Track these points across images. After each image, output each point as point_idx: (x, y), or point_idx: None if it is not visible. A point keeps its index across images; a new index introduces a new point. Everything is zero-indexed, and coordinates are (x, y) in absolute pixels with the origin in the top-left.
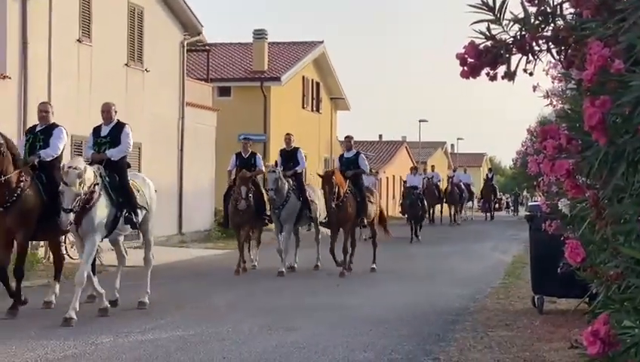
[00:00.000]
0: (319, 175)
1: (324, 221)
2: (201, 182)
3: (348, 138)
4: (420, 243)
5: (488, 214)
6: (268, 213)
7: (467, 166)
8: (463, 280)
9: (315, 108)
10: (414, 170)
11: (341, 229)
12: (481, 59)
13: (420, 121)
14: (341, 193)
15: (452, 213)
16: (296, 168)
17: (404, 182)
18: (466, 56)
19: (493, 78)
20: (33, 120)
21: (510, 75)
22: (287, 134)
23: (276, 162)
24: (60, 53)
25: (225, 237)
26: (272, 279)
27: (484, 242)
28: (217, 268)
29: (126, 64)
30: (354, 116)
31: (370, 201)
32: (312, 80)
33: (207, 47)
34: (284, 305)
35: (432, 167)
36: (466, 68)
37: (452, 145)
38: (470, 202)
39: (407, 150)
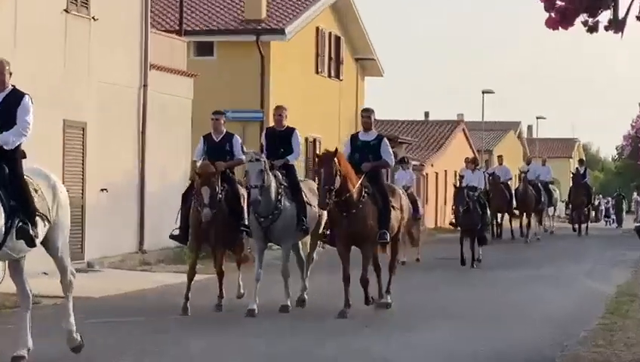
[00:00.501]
0: (315, 154)
1: (327, 234)
2: (171, 177)
3: (367, 112)
4: (480, 267)
5: (579, 226)
6: (246, 221)
7: (551, 156)
8: (545, 320)
9: (333, 73)
10: (472, 163)
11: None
12: (575, 2)
13: (483, 93)
14: (349, 189)
15: (526, 223)
16: (289, 157)
17: (460, 178)
18: None
19: (592, 28)
20: None
21: (618, 25)
22: (278, 108)
23: (261, 146)
24: None
25: (205, 256)
26: (271, 317)
27: (575, 265)
28: (191, 302)
29: (65, 10)
30: (388, 85)
31: (393, 207)
32: (330, 33)
33: None
34: (292, 356)
35: (500, 158)
36: (553, 14)
37: (529, 127)
38: (551, 208)
39: (465, 134)
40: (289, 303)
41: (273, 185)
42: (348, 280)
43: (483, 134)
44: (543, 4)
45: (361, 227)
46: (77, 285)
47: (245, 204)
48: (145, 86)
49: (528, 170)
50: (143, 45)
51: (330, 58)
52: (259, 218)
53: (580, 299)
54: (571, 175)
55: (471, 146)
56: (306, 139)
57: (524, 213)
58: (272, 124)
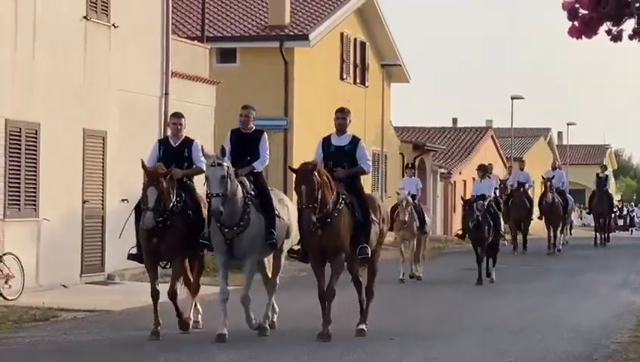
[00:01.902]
0: (291, 168)
1: (296, 249)
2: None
3: (342, 113)
4: (508, 279)
5: (601, 235)
6: (206, 234)
7: (582, 163)
8: (575, 333)
9: (359, 80)
10: (482, 170)
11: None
12: (598, 10)
13: (512, 99)
14: (328, 202)
15: (551, 234)
16: (255, 164)
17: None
18: (577, 5)
19: (616, 37)
20: None
21: None
22: (245, 107)
23: (223, 149)
24: None
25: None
26: (239, 346)
27: (605, 275)
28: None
29: (85, 17)
30: (415, 91)
31: (372, 220)
32: (355, 39)
33: None
34: None
35: (521, 163)
36: (576, 23)
37: (559, 134)
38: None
39: (493, 140)
40: (264, 324)
41: (239, 193)
42: (324, 298)
43: (512, 141)
44: (566, 12)
45: (334, 239)
46: (97, 298)
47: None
48: (166, 94)
49: (554, 176)
50: (164, 52)
51: (355, 64)
52: (223, 228)
53: (611, 311)
54: (594, 182)
55: (500, 153)
56: None
57: (551, 224)
58: (296, 131)
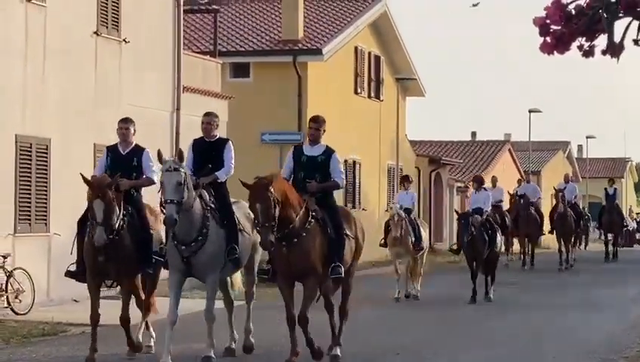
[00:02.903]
0: (244, 184)
1: (266, 269)
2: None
3: (316, 123)
4: (519, 294)
5: (612, 249)
6: (161, 251)
7: (602, 176)
8: (581, 347)
9: (373, 94)
10: (477, 182)
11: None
12: (570, 26)
13: (530, 112)
14: (292, 219)
15: (562, 249)
16: (218, 173)
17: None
18: (548, 21)
19: (588, 52)
20: None
21: (614, 49)
22: (208, 114)
23: (180, 152)
24: None
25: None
26: None
27: (614, 289)
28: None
29: (95, 32)
30: (431, 105)
31: (347, 235)
32: (370, 53)
33: (213, 7)
34: None
35: (527, 175)
36: (548, 39)
37: (579, 147)
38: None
39: (511, 154)
40: (212, 354)
41: (197, 205)
42: (293, 321)
43: (530, 154)
44: (537, 29)
45: (304, 259)
46: (109, 312)
47: (164, 230)
48: (178, 109)
49: (565, 188)
50: (175, 67)
51: (369, 78)
52: (179, 245)
53: (621, 325)
54: (604, 196)
55: (517, 167)
56: (346, 162)
57: (562, 239)
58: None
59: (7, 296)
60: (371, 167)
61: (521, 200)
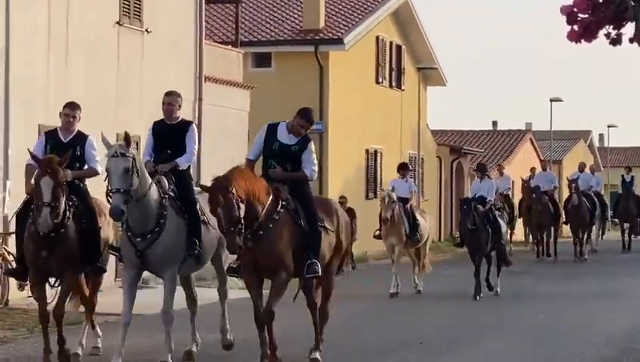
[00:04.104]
0: (203, 187)
1: (234, 267)
2: None
3: (307, 118)
4: (536, 284)
5: (629, 240)
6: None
7: (623, 165)
8: (602, 337)
9: (394, 84)
10: (480, 170)
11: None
12: (597, 14)
13: (551, 101)
14: (259, 213)
15: (580, 239)
16: (179, 160)
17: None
18: (575, 9)
19: (615, 41)
20: None
21: None
22: (169, 94)
23: (126, 136)
24: (21, 8)
25: None
26: None
27: (635, 279)
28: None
29: (118, 22)
30: (452, 94)
31: (325, 228)
32: (391, 42)
33: None
34: None
35: (543, 163)
36: (575, 27)
37: (600, 136)
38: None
39: (532, 143)
40: (169, 359)
41: (153, 193)
42: (261, 321)
43: (551, 143)
44: (565, 17)
45: (271, 251)
46: (140, 301)
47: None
48: (200, 99)
49: (578, 177)
50: (197, 57)
51: (391, 68)
52: (133, 238)
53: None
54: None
55: (539, 156)
56: (367, 151)
57: (577, 230)
58: (332, 135)
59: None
60: (392, 157)
61: (534, 194)
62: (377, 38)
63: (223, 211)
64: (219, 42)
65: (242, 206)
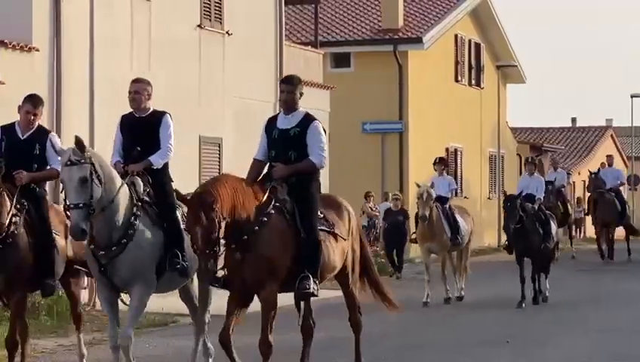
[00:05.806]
0: (181, 198)
1: (218, 277)
2: None
3: (289, 84)
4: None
5: None
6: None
7: None
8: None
9: (474, 82)
10: (531, 164)
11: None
12: None
13: (632, 97)
14: (247, 211)
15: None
16: (152, 158)
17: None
18: None
19: None
20: (71, 104)
21: None
22: (136, 81)
23: (78, 140)
24: (105, 13)
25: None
26: None
27: None
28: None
29: (199, 25)
30: (532, 91)
31: (334, 234)
32: (470, 41)
33: None
34: None
35: (609, 158)
36: None
37: None
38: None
39: (613, 140)
40: None
41: (122, 199)
42: (224, 344)
43: (632, 140)
44: None
45: (255, 265)
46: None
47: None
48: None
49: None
50: (277, 58)
51: (470, 66)
52: (96, 250)
53: None
54: None
55: (620, 152)
56: (447, 150)
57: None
58: (411, 134)
59: None
60: (473, 155)
61: (599, 190)
62: (456, 36)
63: (201, 231)
64: (298, 43)
65: (223, 224)
